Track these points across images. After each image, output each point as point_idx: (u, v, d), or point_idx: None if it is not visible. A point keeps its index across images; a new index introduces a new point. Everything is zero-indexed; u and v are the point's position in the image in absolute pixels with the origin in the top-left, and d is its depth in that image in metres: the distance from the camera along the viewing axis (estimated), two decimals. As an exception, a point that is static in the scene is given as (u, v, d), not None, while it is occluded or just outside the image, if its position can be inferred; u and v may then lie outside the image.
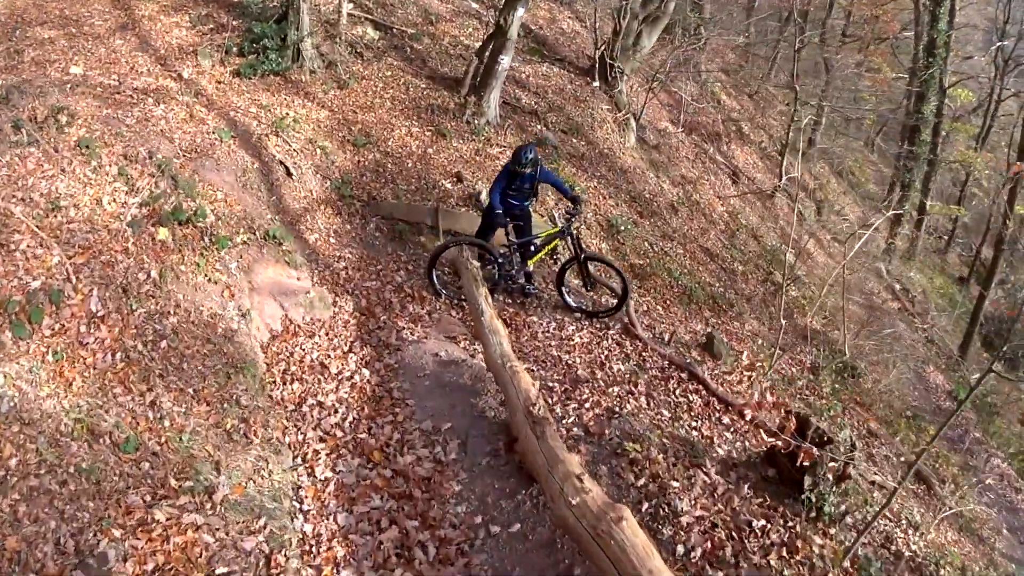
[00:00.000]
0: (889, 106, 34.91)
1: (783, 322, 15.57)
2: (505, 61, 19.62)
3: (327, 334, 12.87)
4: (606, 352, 13.46)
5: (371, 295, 14.35)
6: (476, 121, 19.33)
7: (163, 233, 11.53)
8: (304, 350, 12.26)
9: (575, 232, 14.64)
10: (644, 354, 13.62)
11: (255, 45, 17.67)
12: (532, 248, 14.69)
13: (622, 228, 19.00)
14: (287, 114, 17.19)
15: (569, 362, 12.85)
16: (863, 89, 34.55)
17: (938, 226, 34.01)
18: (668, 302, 18.04)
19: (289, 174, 15.74)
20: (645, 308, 16.49)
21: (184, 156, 14.13)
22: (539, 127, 21.00)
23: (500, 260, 14.36)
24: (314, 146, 16.80)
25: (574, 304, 14.85)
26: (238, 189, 14.32)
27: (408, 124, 18.70)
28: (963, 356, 27.19)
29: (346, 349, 12.52)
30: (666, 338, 14.72)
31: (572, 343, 13.66)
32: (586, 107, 22.46)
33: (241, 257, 12.70)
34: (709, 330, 16.17)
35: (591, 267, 15.03)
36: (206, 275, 11.81)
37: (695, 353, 14.32)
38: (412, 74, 20.19)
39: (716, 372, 13.88)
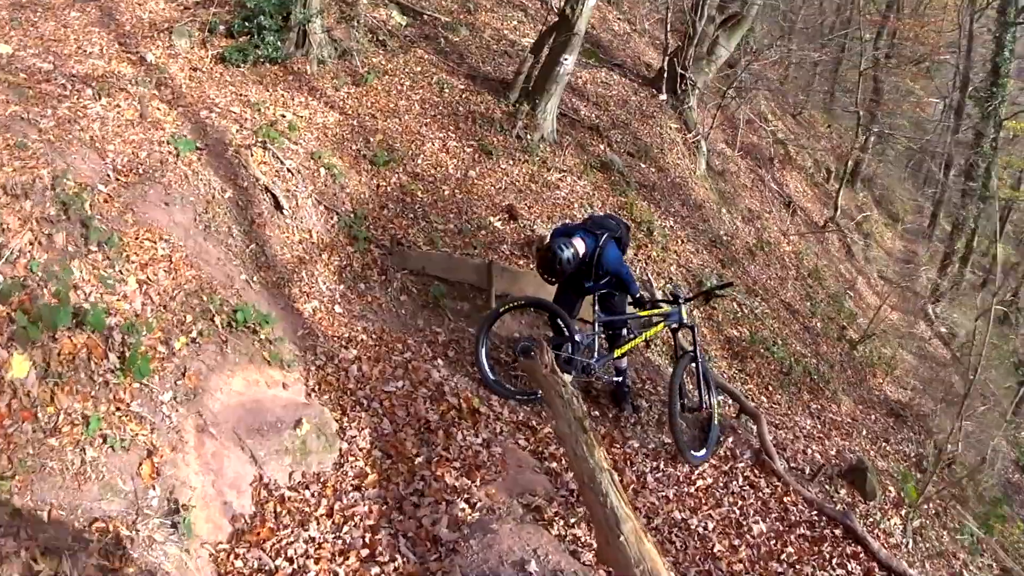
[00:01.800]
0: (921, 132, 28.41)
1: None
2: (569, 62, 13.68)
3: (331, 514, 6.63)
4: (739, 502, 8.62)
5: (397, 410, 8.12)
6: (529, 136, 13.71)
7: (18, 367, 5.20)
8: (291, 565, 6.05)
9: (691, 319, 9.31)
10: (786, 500, 8.84)
11: (248, 24, 12.15)
12: (624, 332, 9.30)
13: (710, 285, 13.03)
14: (283, 116, 11.14)
15: (698, 529, 8.04)
16: (899, 114, 27.98)
17: (976, 262, 27.92)
18: (769, 386, 12.69)
19: (279, 207, 9.62)
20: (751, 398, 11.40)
21: (116, 181, 8.13)
22: (602, 147, 15.08)
23: (577, 339, 8.90)
24: (318, 164, 10.68)
25: (697, 455, 9.04)
26: (195, 236, 8.32)
27: (443, 136, 12.88)
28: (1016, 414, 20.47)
29: (365, 553, 6.29)
30: (807, 469, 9.84)
31: (694, 488, 8.65)
32: (653, 125, 17.05)
33: (184, 373, 6.62)
34: (856, 455, 10.89)
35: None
36: (102, 439, 5.66)
37: (843, 491, 9.67)
38: (447, 71, 14.52)
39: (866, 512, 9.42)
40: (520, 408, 8.76)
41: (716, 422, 9.08)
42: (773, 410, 11.83)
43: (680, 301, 8.80)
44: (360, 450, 7.38)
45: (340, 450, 7.24)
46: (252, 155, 9.77)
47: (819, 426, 12.04)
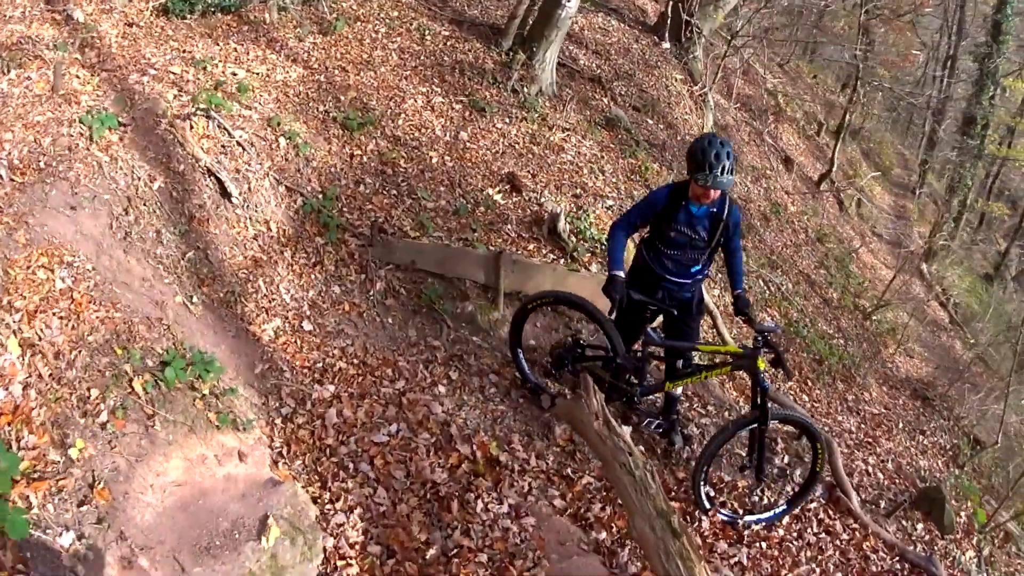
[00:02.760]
0: (901, 85, 26.32)
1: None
2: (572, 4, 11.19)
3: None
4: (818, 555, 6.71)
5: (393, 471, 5.96)
6: (526, 90, 11.27)
7: None
8: None
9: (766, 371, 6.30)
10: (866, 545, 7.00)
11: (198, -33, 9.35)
12: (683, 364, 6.76)
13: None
14: (233, 75, 8.65)
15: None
16: (887, 65, 25.88)
17: (968, 220, 26.26)
18: (808, 380, 10.58)
19: (226, 194, 7.24)
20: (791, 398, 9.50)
21: (10, 183, 5.91)
22: (606, 100, 12.67)
23: (620, 362, 6.61)
24: (276, 132, 8.22)
25: (736, 517, 6.77)
26: (110, 250, 6.07)
27: (426, 91, 10.35)
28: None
29: None
30: (881, 504, 7.91)
31: (766, 543, 6.58)
32: (659, 76, 14.57)
33: (93, 486, 4.38)
34: (933, 479, 9.34)
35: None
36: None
37: (920, 526, 7.81)
38: (429, 16, 11.98)
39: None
40: (548, 449, 6.63)
41: (782, 509, 6.89)
42: (815, 410, 9.85)
43: (759, 346, 6.08)
44: (351, 546, 5.22)
45: (324, 551, 5.01)
46: (192, 128, 7.36)
47: (863, 426, 10.17)
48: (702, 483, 6.38)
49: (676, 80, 14.65)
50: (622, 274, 5.95)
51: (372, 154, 8.78)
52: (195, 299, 6.21)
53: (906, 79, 27.54)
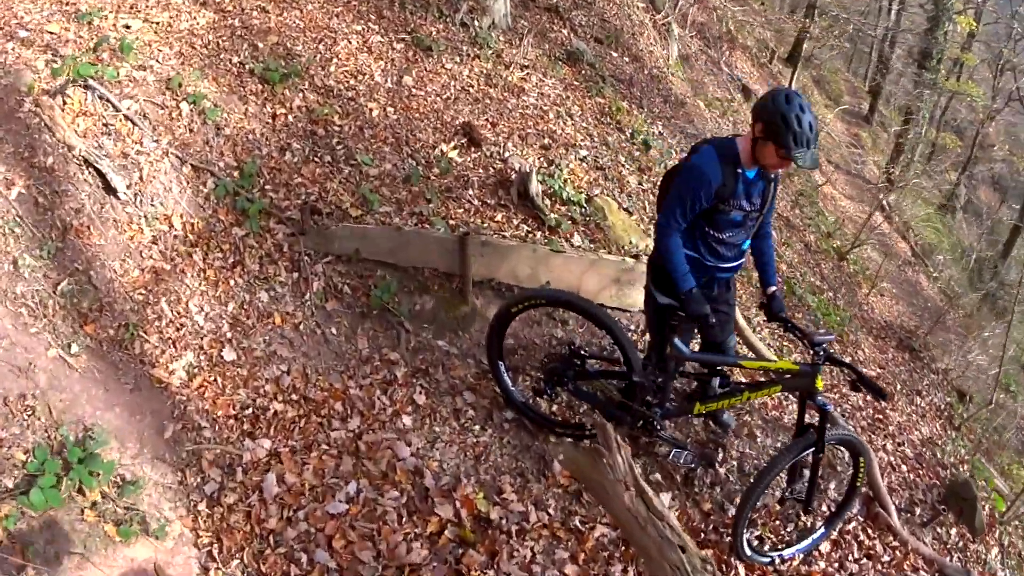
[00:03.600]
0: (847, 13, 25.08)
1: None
2: None
3: None
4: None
5: (359, 555, 4.40)
6: (477, 23, 9.54)
7: None
8: None
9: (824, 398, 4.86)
10: (906, 565, 5.84)
11: None
12: (720, 382, 5.27)
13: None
14: (126, 29, 6.74)
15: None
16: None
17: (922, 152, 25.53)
18: None
19: (111, 189, 5.47)
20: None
21: None
22: (565, 32, 10.96)
23: (636, 380, 5.09)
24: (177, 97, 6.44)
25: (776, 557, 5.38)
26: None
27: (362, 30, 8.54)
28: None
29: None
30: (916, 511, 6.62)
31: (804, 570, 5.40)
32: (620, 4, 12.86)
33: None
34: (963, 472, 8.01)
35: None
36: None
37: (953, 531, 6.63)
38: None
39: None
40: (548, 492, 5.19)
41: (820, 532, 5.61)
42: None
43: (820, 362, 4.71)
44: None
45: None
46: (65, 105, 5.61)
47: (868, 398, 8.45)
48: (744, 530, 5.01)
49: (638, 8, 13.07)
50: (695, 286, 4.62)
51: (299, 112, 7.08)
52: (75, 347, 4.61)
53: (857, 8, 26.25)
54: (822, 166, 18.80)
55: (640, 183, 8.73)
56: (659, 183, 5.33)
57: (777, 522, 5.61)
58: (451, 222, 6.64)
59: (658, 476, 5.58)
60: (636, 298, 6.71)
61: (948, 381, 11.89)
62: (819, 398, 4.73)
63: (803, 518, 5.66)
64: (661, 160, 9.45)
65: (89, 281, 4.96)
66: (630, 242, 7.59)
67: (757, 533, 5.46)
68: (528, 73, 9.22)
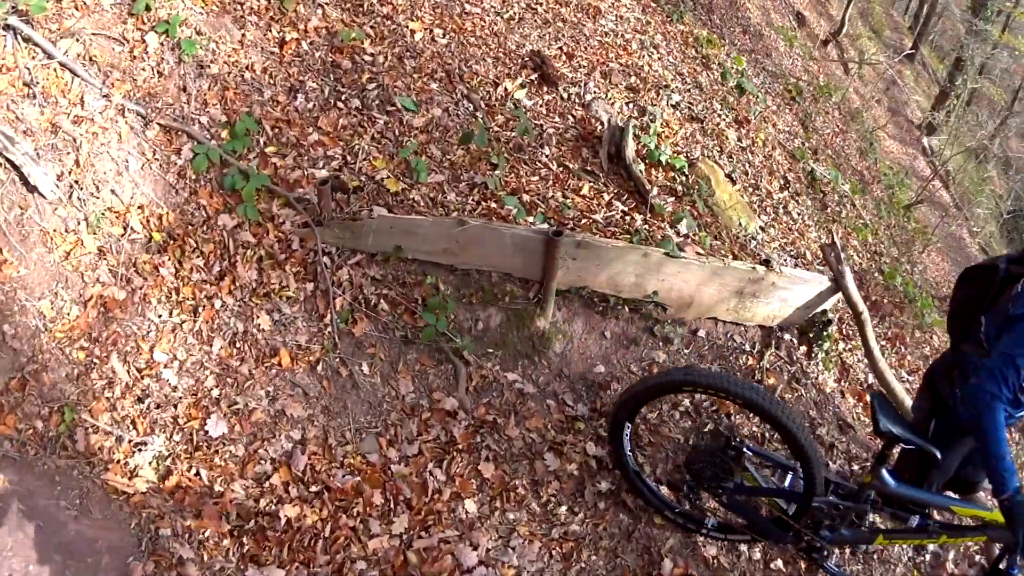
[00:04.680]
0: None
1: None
2: None
3: None
4: None
5: None
6: None
7: None
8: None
9: None
10: None
11: None
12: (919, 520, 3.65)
13: (821, 178, 8.24)
14: None
15: None
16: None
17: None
18: (905, 342, 7.11)
19: (33, 188, 3.43)
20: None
21: None
22: None
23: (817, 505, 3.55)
24: (144, 23, 4.32)
25: None
26: None
27: None
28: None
29: None
30: None
31: None
32: None
33: None
34: None
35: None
36: None
37: None
38: None
39: None
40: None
41: None
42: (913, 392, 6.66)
43: None
44: None
45: None
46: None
47: None
48: None
49: None
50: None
51: (317, 37, 5.13)
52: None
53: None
54: (868, 100, 16.99)
55: (739, 140, 6.88)
56: (954, 291, 3.60)
57: None
58: (524, 197, 4.77)
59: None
60: (756, 311, 5.05)
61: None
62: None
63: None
64: (755, 111, 7.55)
65: (1, 341, 3.10)
66: (739, 224, 5.83)
67: None
68: None
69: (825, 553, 3.75)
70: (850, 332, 5.88)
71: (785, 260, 6.09)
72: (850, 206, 8.58)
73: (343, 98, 4.90)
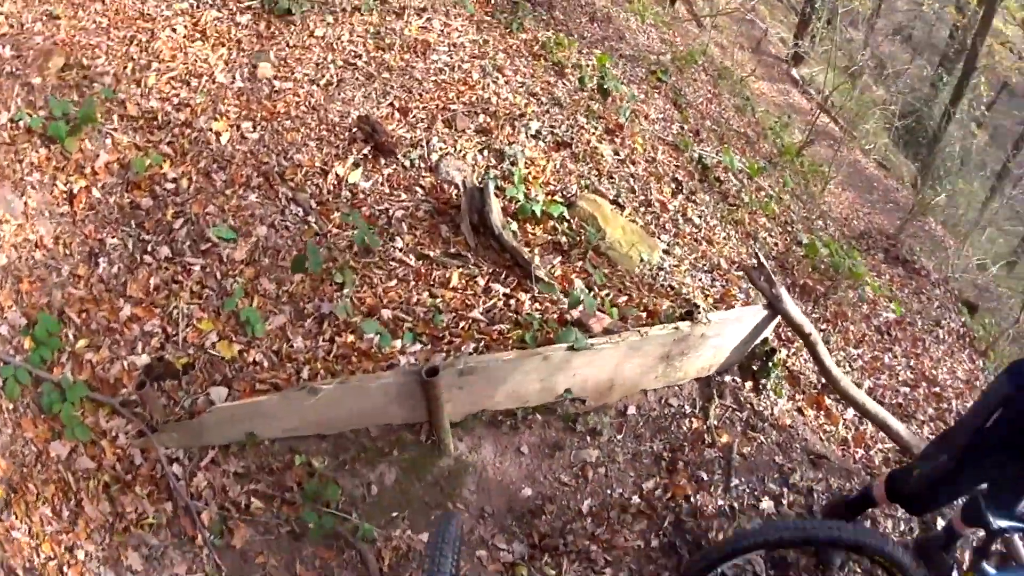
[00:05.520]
0: None
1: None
2: None
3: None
4: None
5: None
6: None
7: None
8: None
9: None
10: None
11: None
12: None
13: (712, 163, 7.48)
14: None
15: None
16: None
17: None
18: (844, 320, 6.74)
19: None
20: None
21: None
22: None
23: None
24: None
25: None
26: None
27: (190, 6, 5.61)
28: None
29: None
30: None
31: None
32: None
33: None
34: None
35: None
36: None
37: None
38: None
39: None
40: None
41: None
42: (874, 371, 6.31)
43: None
44: None
45: None
46: None
47: (912, 366, 6.87)
48: None
49: None
50: None
51: (108, 175, 4.39)
52: None
53: None
54: (729, 49, 16.50)
55: (616, 152, 6.23)
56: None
57: None
58: (385, 313, 3.98)
59: None
60: (688, 368, 4.45)
61: (952, 293, 9.94)
62: None
63: None
64: (624, 109, 6.86)
65: None
66: (641, 259, 5.13)
67: None
68: (428, 18, 6.54)
69: None
70: (789, 335, 5.26)
71: (700, 279, 5.46)
72: (747, 180, 8.00)
73: (150, 249, 4.15)
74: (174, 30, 5.31)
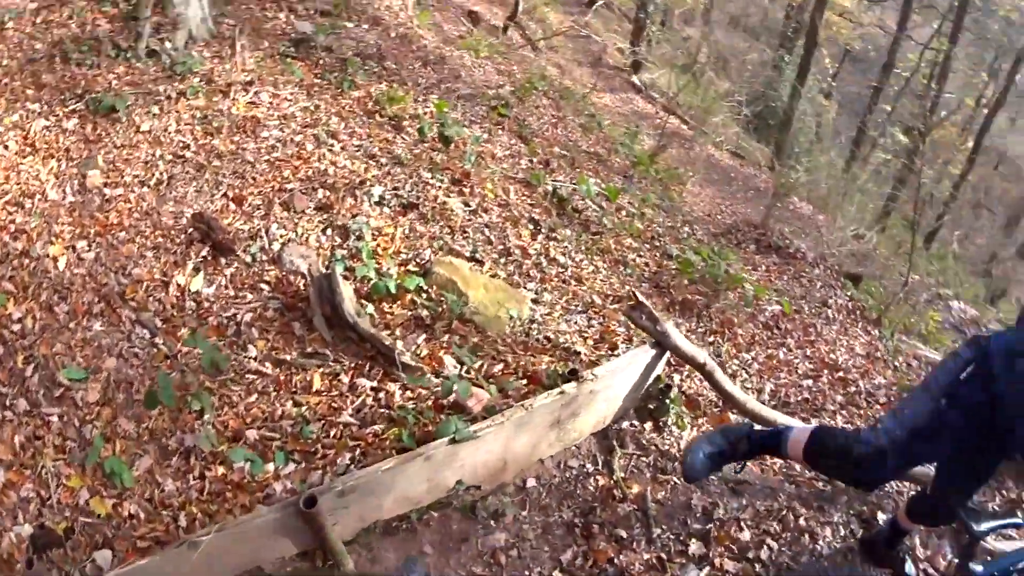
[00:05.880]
0: None
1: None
2: None
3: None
4: None
5: None
6: (169, 44, 6.32)
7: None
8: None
9: None
10: None
11: None
12: None
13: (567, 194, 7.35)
14: None
15: None
16: None
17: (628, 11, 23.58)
18: (731, 325, 6.59)
19: None
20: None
21: None
22: (282, 16, 7.74)
23: None
24: None
25: None
26: None
27: (20, 119, 5.27)
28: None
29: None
30: None
31: None
32: None
33: None
34: None
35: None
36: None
37: None
38: None
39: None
40: None
41: None
42: (772, 370, 6.19)
43: None
44: None
45: None
46: None
47: (815, 368, 6.59)
48: None
49: None
50: None
51: None
52: None
53: None
54: (568, 68, 16.46)
55: (466, 204, 6.04)
56: None
57: None
58: (251, 434, 3.66)
59: None
60: (582, 426, 4.28)
61: (832, 270, 9.90)
62: None
63: None
64: (468, 154, 6.65)
65: None
66: (511, 317, 4.92)
67: None
68: (256, 91, 6.30)
69: None
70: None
71: (576, 322, 5.29)
72: (606, 203, 7.86)
73: (7, 403, 3.85)
74: (6, 147, 5.02)
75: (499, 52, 11.75)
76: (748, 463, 3.81)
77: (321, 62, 7.19)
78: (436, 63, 8.83)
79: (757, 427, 3.38)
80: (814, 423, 4.54)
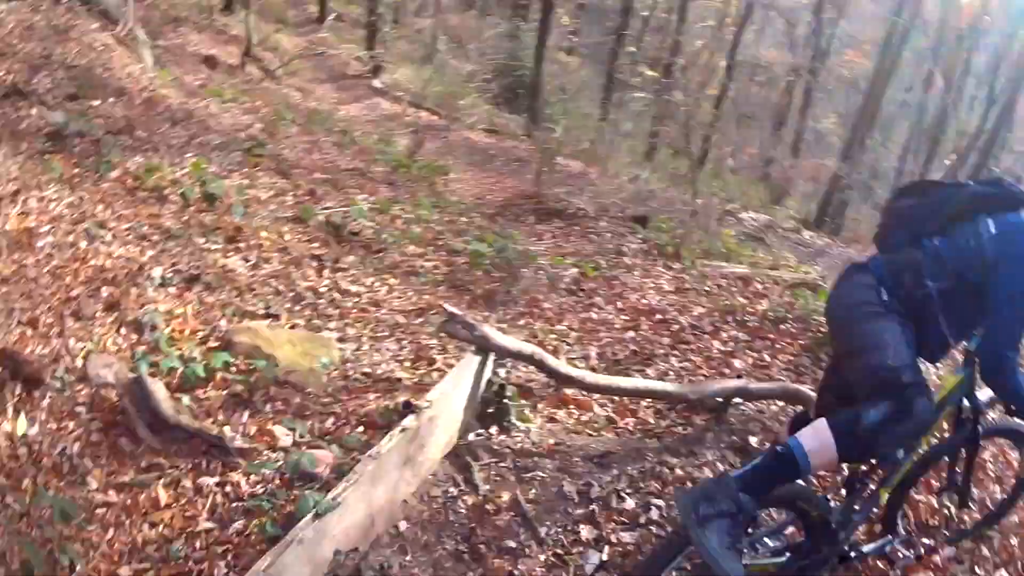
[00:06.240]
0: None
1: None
2: None
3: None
4: None
5: None
6: None
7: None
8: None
9: None
10: None
11: None
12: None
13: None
14: None
15: None
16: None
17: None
18: (546, 306, 6.84)
19: None
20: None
21: None
22: (34, 111, 7.02)
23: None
24: None
25: None
26: None
27: None
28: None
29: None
30: None
31: None
32: (78, 39, 9.02)
33: None
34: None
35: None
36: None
37: None
38: None
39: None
40: None
41: None
42: (590, 333, 6.36)
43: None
44: None
45: None
46: None
47: (628, 315, 6.85)
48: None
49: (93, 32, 9.46)
50: None
51: None
52: None
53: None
54: (310, 89, 16.23)
55: (246, 260, 5.98)
56: None
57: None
58: (124, 570, 3.47)
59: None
60: (434, 456, 4.22)
61: (617, 218, 10.40)
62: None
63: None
64: (237, 207, 6.54)
65: None
66: (323, 366, 4.94)
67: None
68: (24, 199, 5.77)
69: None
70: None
71: (387, 347, 5.35)
72: (380, 217, 7.88)
73: None
74: None
75: (241, 91, 11.53)
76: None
77: (77, 150, 6.75)
78: (184, 119, 8.56)
79: (733, 473, 2.90)
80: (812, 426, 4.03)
